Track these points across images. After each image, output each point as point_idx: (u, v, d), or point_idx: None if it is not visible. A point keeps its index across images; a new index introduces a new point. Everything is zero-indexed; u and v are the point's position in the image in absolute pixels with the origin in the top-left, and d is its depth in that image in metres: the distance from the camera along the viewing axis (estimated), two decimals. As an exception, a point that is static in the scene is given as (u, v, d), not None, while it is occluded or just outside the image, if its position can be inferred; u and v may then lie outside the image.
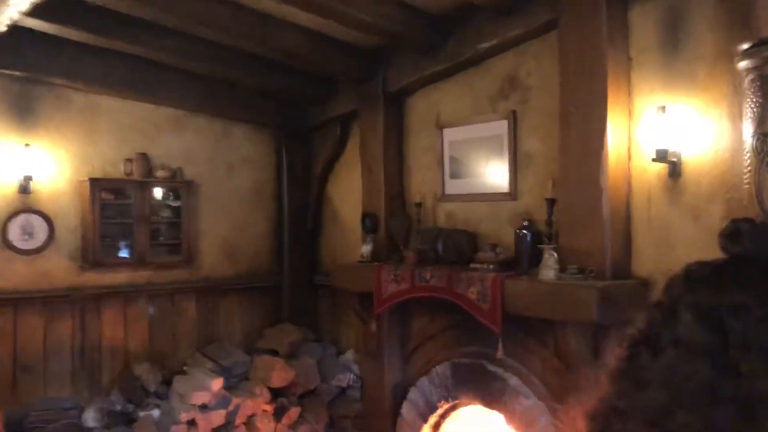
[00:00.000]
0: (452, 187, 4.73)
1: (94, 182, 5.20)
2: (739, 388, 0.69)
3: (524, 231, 3.99)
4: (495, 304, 3.79)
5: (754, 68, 2.92)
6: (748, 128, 2.93)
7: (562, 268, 3.60)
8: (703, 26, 3.27)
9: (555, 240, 3.82)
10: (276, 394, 5.22)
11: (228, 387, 5.08)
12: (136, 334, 5.57)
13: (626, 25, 3.58)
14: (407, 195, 5.16)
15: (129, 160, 5.44)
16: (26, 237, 5.12)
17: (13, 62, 4.89)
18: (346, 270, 5.18)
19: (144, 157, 5.48)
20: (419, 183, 5.03)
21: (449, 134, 4.73)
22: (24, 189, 5.10)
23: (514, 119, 4.22)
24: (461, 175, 4.67)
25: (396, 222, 5.05)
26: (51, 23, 4.40)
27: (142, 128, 5.62)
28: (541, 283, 3.61)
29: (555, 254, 3.60)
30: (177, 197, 5.67)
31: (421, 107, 5.03)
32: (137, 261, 5.45)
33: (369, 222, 5.16)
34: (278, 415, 5.09)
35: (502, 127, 4.29)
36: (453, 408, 4.70)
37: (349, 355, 5.75)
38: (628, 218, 3.58)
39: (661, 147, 3.33)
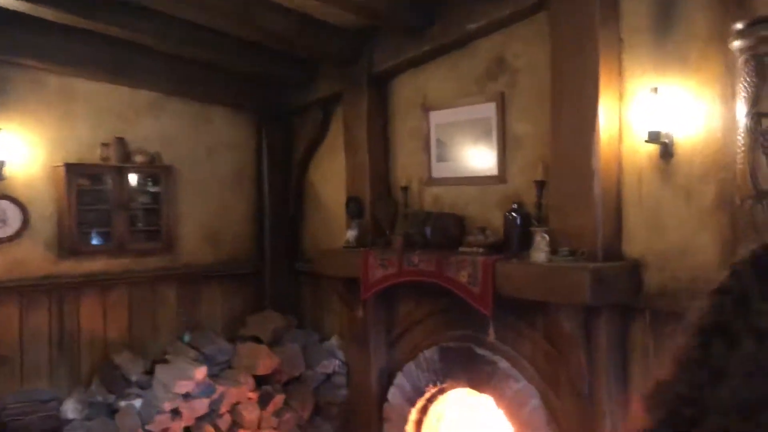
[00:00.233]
0: (439, 170, 4.69)
1: (70, 167, 5.05)
2: None
3: (514, 214, 3.96)
4: (486, 287, 3.77)
5: (748, 48, 2.92)
6: (741, 108, 2.92)
7: (553, 251, 3.59)
8: (696, 6, 3.25)
9: (545, 222, 3.80)
10: (260, 381, 5.15)
11: (211, 375, 4.99)
12: (115, 323, 5.45)
13: (617, 6, 3.55)
14: (393, 179, 5.10)
15: (105, 144, 5.29)
16: (-1, 224, 4.97)
17: (-16, 43, 4.72)
18: (330, 255, 5.12)
19: (121, 141, 5.34)
20: (405, 167, 4.98)
21: (436, 117, 4.68)
22: (-4, 175, 4.94)
23: (502, 101, 4.18)
24: (448, 159, 4.62)
25: (382, 206, 4.99)
26: (24, 2, 4.23)
27: (119, 112, 5.46)
28: (532, 265, 3.59)
29: (546, 236, 3.58)
30: (155, 183, 5.54)
31: (406, 90, 4.96)
32: (115, 248, 5.32)
33: (354, 207, 5.10)
34: (263, 402, 5.03)
35: (490, 109, 4.25)
36: (441, 392, 4.69)
37: (334, 341, 5.70)
38: (619, 200, 3.57)
39: (654, 128, 3.32)
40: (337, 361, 5.49)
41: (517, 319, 4.01)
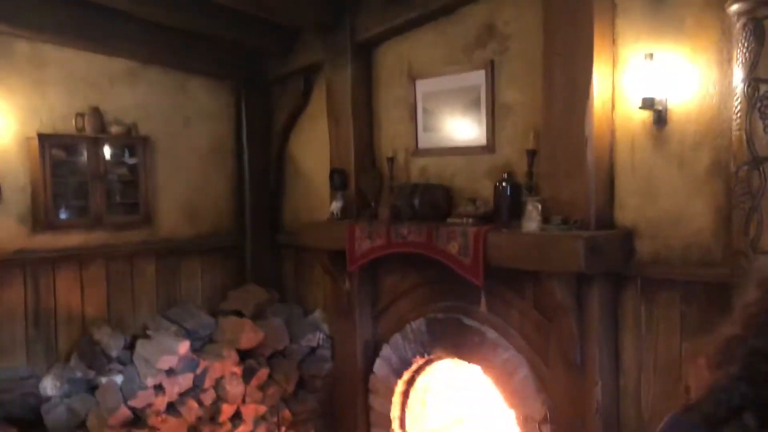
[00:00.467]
0: (426, 140, 4.62)
1: (44, 138, 4.86)
2: None
3: (504, 184, 3.93)
4: (477, 257, 3.73)
5: (746, 12, 2.89)
6: (738, 74, 2.90)
7: (545, 220, 3.57)
8: (692, -30, 3.22)
9: (536, 192, 3.77)
10: (243, 355, 5.08)
11: (193, 350, 4.91)
12: (93, 298, 5.31)
13: (611, -30, 3.50)
14: (378, 150, 5.02)
15: (80, 114, 5.10)
16: (-31, 198, 4.78)
17: (-52, 7, 4.50)
18: (315, 228, 5.04)
19: (96, 111, 5.15)
20: (390, 137, 4.90)
21: (422, 86, 4.59)
22: (-35, 146, 4.75)
23: (491, 69, 4.11)
24: (435, 129, 4.55)
25: (367, 178, 4.92)
26: (-8, -37, 4.04)
27: (94, 80, 5.26)
28: (525, 235, 3.57)
29: (539, 206, 3.55)
30: (132, 154, 5.38)
31: (391, 58, 4.86)
32: (92, 222, 5.17)
33: (338, 178, 5.01)
34: (247, 376, 4.97)
35: (479, 77, 4.18)
36: (428, 363, 4.68)
37: (318, 314, 5.65)
38: (611, 168, 3.55)
39: (648, 95, 3.29)
40: (321, 335, 5.45)
41: (506, 289, 3.99)
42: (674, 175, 3.31)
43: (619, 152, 3.53)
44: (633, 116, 3.45)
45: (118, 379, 4.85)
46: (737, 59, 2.90)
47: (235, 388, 4.88)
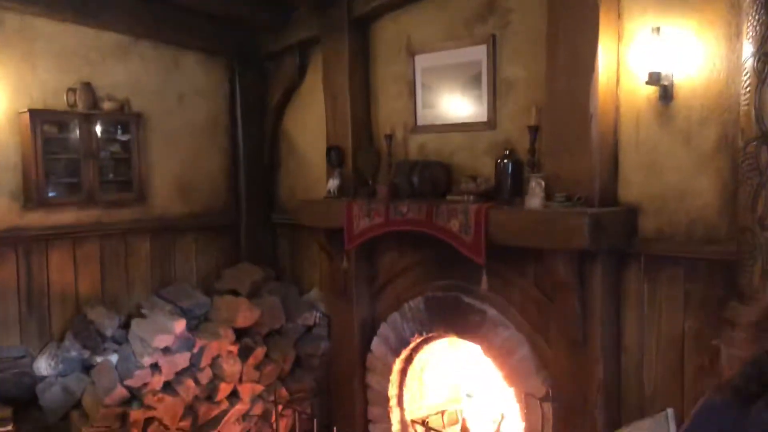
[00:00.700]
0: (425, 117, 4.55)
1: (35, 114, 4.75)
2: None
3: (506, 160, 3.88)
4: (479, 235, 3.70)
5: (757, -15, 2.84)
6: (748, 48, 2.86)
7: (548, 197, 3.53)
8: (700, -58, 3.16)
9: (538, 168, 3.73)
10: (239, 334, 5.04)
11: (188, 329, 4.86)
12: (86, 277, 5.24)
13: (617, -59, 3.43)
14: (375, 127, 4.96)
15: (72, 90, 4.99)
16: (-41, 175, 4.68)
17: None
18: (312, 206, 4.98)
19: (88, 87, 5.04)
20: (389, 114, 4.83)
21: (421, 61, 4.52)
22: (-46, 121, 4.64)
23: (493, 44, 4.05)
24: (435, 105, 4.49)
25: (364, 156, 4.86)
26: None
27: (85, 55, 5.14)
28: (528, 212, 3.53)
29: (542, 182, 3.51)
30: (125, 131, 5.27)
31: (389, 32, 4.78)
32: (85, 199, 5.08)
33: (335, 156, 4.95)
34: (244, 355, 4.93)
35: (480, 52, 4.12)
36: (426, 341, 4.66)
37: (314, 293, 5.61)
38: (615, 144, 3.52)
39: (654, 70, 3.24)
40: (317, 313, 5.41)
41: (507, 267, 3.97)
42: (679, 152, 3.28)
43: (623, 128, 3.49)
44: (638, 92, 3.41)
45: (113, 358, 4.80)
46: (746, 33, 2.86)
47: (231, 366, 4.84)
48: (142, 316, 5.04)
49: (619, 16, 3.45)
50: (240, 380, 4.88)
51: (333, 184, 4.88)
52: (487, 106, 4.12)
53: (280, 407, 4.88)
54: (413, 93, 4.60)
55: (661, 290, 3.38)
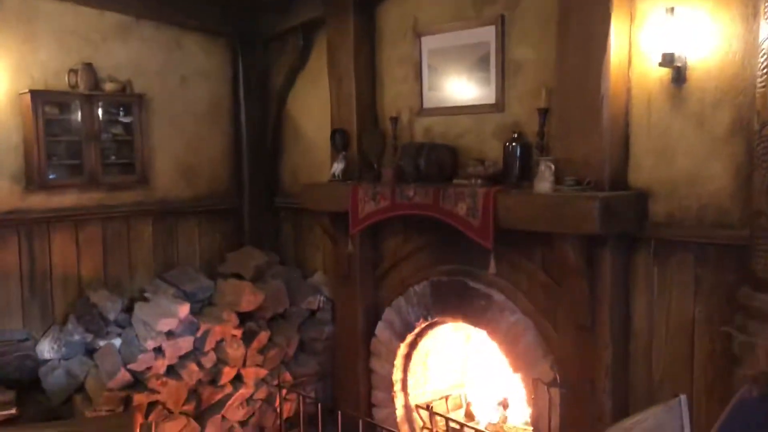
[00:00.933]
0: (431, 100, 4.49)
1: (36, 95, 4.69)
2: None
3: (514, 143, 3.83)
4: (486, 219, 3.65)
5: (775, -37, 2.77)
6: (765, 29, 2.80)
7: (558, 180, 3.48)
8: None
9: (547, 152, 3.69)
10: (243, 318, 5.01)
11: (192, 313, 4.83)
12: (89, 260, 5.20)
13: None
14: (381, 110, 4.90)
15: (73, 70, 4.92)
16: (-41, 156, 4.63)
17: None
18: (316, 189, 4.93)
19: (89, 67, 4.97)
20: (394, 96, 4.77)
21: (428, 42, 4.45)
22: (-46, 102, 4.58)
23: (501, 24, 3.98)
24: (441, 87, 4.43)
25: (369, 138, 4.80)
26: None
27: (86, 35, 5.07)
28: (537, 195, 3.48)
29: (552, 166, 3.46)
30: (127, 113, 5.21)
31: (395, 13, 4.70)
32: (87, 182, 5.02)
33: (340, 139, 4.89)
34: (248, 339, 4.91)
35: (488, 33, 4.05)
36: (431, 326, 4.63)
37: (318, 277, 5.58)
38: (626, 127, 3.46)
39: (668, 51, 3.18)
40: (321, 297, 5.38)
41: (514, 252, 3.93)
42: (692, 135, 3.22)
43: (634, 111, 3.44)
44: (650, 74, 3.35)
45: (117, 342, 4.78)
46: (764, 13, 2.80)
47: (235, 350, 4.82)
48: (146, 299, 5.01)
49: (632, -5, 3.39)
50: (244, 364, 4.86)
51: (337, 167, 4.83)
52: (495, 88, 4.06)
53: (283, 391, 4.87)
54: (419, 75, 4.53)
55: (671, 275, 3.34)
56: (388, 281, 4.89)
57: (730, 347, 3.02)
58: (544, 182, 3.47)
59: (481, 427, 4.44)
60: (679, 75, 3.22)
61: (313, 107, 5.55)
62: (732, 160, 3.09)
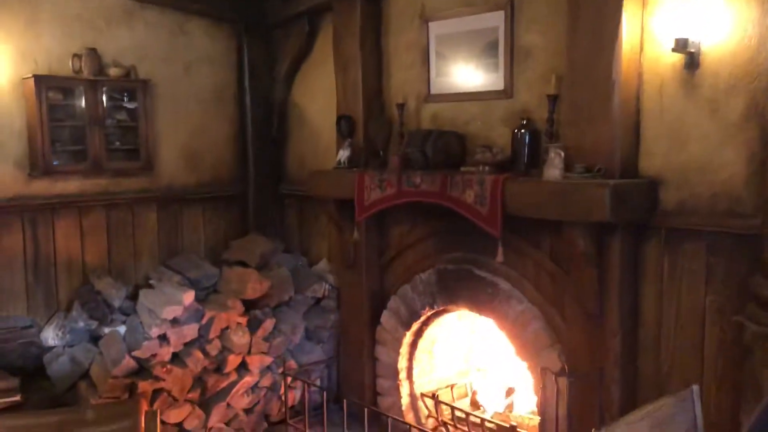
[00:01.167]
0: (439, 86, 4.44)
1: (40, 80, 4.65)
2: None
3: (523, 130, 3.78)
4: (494, 206, 3.61)
5: (794, -54, 2.72)
6: (782, 12, 2.75)
7: (568, 167, 3.44)
8: None
9: (556, 139, 3.64)
10: (248, 306, 4.99)
11: (197, 300, 4.80)
12: (93, 246, 5.18)
13: None
14: (387, 96, 4.85)
15: (77, 56, 4.88)
16: (-37, 141, 4.60)
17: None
18: (322, 177, 4.89)
19: (93, 52, 4.93)
20: (401, 83, 4.71)
21: (436, 28, 4.40)
22: (-43, 87, 4.54)
23: (511, 9, 3.92)
24: (449, 73, 4.38)
25: (375, 125, 4.76)
26: None
27: (89, 20, 5.02)
28: (547, 183, 3.44)
29: (562, 153, 3.41)
30: (132, 98, 5.17)
31: (403, -1, 4.65)
32: (91, 168, 4.99)
33: (345, 126, 4.85)
34: (253, 327, 4.88)
35: (497, 18, 3.99)
36: (437, 315, 4.60)
37: (323, 265, 5.55)
38: (637, 114, 3.41)
39: (681, 36, 3.12)
40: (326, 285, 5.35)
41: (521, 240, 3.90)
42: (705, 121, 3.17)
43: (646, 98, 3.39)
44: (662, 59, 3.30)
45: (121, 329, 4.76)
46: (781, -3, 2.75)
47: (240, 338, 4.80)
48: (150, 286, 4.99)
49: (645, -21, 3.33)
50: (249, 352, 4.83)
51: (343, 154, 4.80)
52: (503, 74, 4.01)
53: (288, 379, 4.85)
54: (426, 61, 4.48)
55: (681, 264, 3.30)
56: (393, 269, 4.86)
57: (741, 337, 2.99)
58: (553, 169, 3.42)
59: (486, 416, 4.42)
60: (693, 60, 3.16)
61: (318, 94, 5.51)
62: (745, 147, 3.04)
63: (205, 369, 4.68)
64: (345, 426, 4.36)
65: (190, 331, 4.65)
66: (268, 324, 4.96)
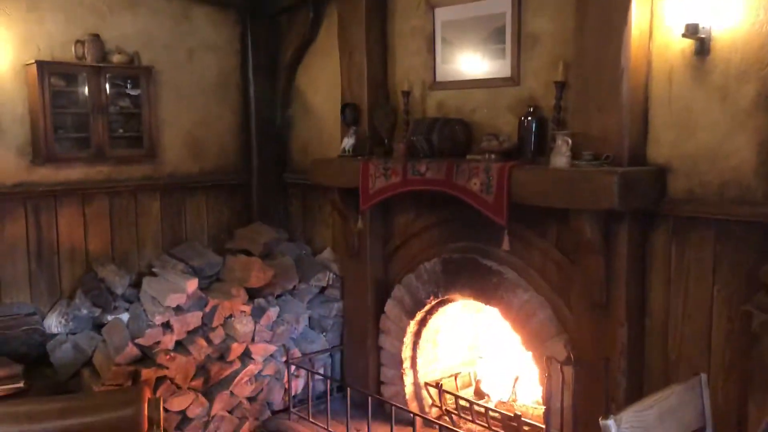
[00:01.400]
0: (444, 73, 4.40)
1: (42, 66, 4.61)
2: None
3: (530, 118, 3.75)
4: (501, 195, 3.58)
5: (808, -71, 2.67)
6: (795, -2, 2.71)
7: (575, 155, 3.40)
8: None
9: (563, 126, 3.60)
10: (252, 294, 4.97)
11: (200, 288, 4.79)
12: (96, 234, 5.16)
13: None
14: (392, 84, 4.81)
15: (80, 42, 4.84)
16: (-35, 128, 4.58)
17: None
18: (326, 165, 4.86)
19: (96, 39, 4.89)
20: (406, 70, 4.67)
21: (442, 14, 4.35)
22: (-41, 73, 4.51)
23: (518, -5, 3.88)
24: (455, 61, 4.33)
25: (380, 113, 4.72)
26: None
27: (93, 6, 4.98)
28: (554, 170, 3.40)
29: (569, 141, 3.38)
30: (135, 85, 5.14)
31: (408, -15, 4.60)
32: (95, 155, 4.97)
33: (350, 113, 4.81)
34: (256, 315, 4.86)
35: (504, 4, 3.94)
36: (441, 304, 4.58)
37: (327, 254, 5.52)
38: (646, 101, 3.37)
39: (692, 21, 3.08)
40: (330, 274, 5.33)
41: (527, 229, 3.87)
42: (715, 109, 3.13)
43: (654, 84, 3.35)
44: (672, 45, 3.26)
45: (125, 317, 4.75)
46: (794, -18, 2.70)
47: (244, 326, 4.78)
48: (153, 274, 4.98)
49: (654, -36, 3.28)
50: (252, 340, 4.82)
51: (348, 142, 4.76)
52: (510, 61, 3.97)
53: (292, 368, 4.84)
54: (432, 48, 4.44)
55: (689, 253, 3.27)
56: (398, 258, 4.84)
57: (749, 326, 2.97)
58: (560, 157, 3.39)
59: (491, 405, 4.40)
60: (703, 46, 3.12)
61: (323, 81, 5.47)
62: (756, 134, 3.00)
63: (208, 357, 4.66)
64: (348, 415, 4.35)
65: (194, 319, 4.64)
66: (272, 313, 4.94)
